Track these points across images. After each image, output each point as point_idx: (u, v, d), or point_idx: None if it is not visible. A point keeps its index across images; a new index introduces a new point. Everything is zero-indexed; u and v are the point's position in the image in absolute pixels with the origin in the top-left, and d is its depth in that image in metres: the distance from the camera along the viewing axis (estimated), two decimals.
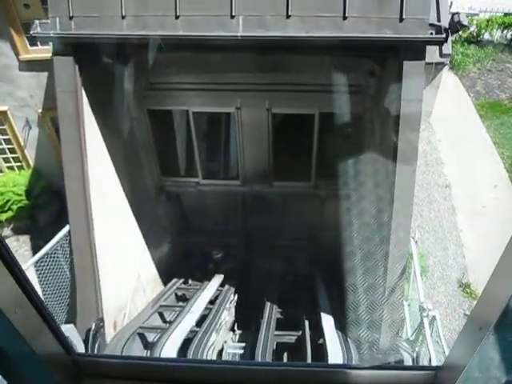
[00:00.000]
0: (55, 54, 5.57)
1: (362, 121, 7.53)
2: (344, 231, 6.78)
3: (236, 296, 8.56)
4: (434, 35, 4.93)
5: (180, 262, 9.59)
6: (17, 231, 10.67)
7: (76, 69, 5.58)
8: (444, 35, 4.87)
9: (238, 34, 5.06)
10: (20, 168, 10.82)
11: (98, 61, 6.06)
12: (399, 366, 3.95)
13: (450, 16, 4.93)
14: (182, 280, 8.94)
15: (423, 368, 2.22)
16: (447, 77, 12.76)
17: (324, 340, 6.27)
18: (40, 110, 9.55)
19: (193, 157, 8.45)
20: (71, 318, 6.59)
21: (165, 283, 8.93)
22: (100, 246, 6.26)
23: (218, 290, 8.47)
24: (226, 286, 8.63)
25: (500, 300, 1.51)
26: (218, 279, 8.81)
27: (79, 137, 5.65)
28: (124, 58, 6.73)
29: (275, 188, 8.68)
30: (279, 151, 8.42)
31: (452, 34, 4.92)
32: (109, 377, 2.25)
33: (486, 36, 14.71)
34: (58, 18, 5.39)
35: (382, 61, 6.32)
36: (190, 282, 8.96)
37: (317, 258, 9.41)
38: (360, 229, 6.54)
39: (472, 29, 14.21)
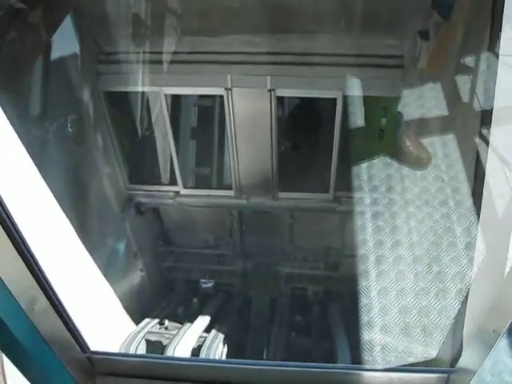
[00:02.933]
0: None
1: None
2: (377, 262, 4.71)
3: (226, 347, 6.33)
4: None
5: (155, 296, 7.41)
6: None
7: None
8: None
9: None
10: None
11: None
12: (411, 368, 3.09)
13: None
14: (156, 321, 6.74)
15: (435, 371, 2.20)
16: None
17: None
18: None
19: (169, 158, 6.22)
20: None
21: (135, 323, 6.71)
22: None
23: (201, 337, 6.27)
24: (213, 332, 6.40)
25: None
26: (202, 322, 6.60)
27: None
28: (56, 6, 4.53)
29: (281, 201, 6.40)
30: (287, 151, 6.22)
31: None
32: (122, 375, 2.31)
33: None
34: None
35: (449, 6, 4.05)
36: (166, 322, 6.74)
37: (336, 294, 7.21)
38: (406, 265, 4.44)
39: None
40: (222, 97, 5.38)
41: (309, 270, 7.38)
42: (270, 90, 5.23)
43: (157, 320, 6.70)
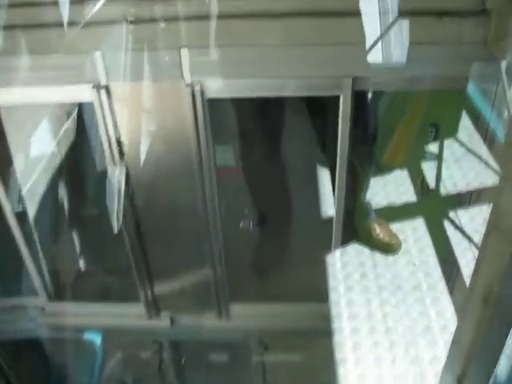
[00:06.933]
0: None
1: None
2: None
3: None
4: None
5: None
6: None
7: None
8: None
9: None
10: None
11: None
12: None
13: None
14: None
15: None
16: None
17: None
18: None
19: (17, 245, 3.19)
20: None
21: None
22: None
23: None
24: None
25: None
26: None
27: None
28: None
29: (236, 320, 3.35)
30: (244, 224, 3.29)
31: None
32: None
33: None
34: None
35: None
36: None
37: None
38: None
39: None
40: (82, 105, 2.53)
41: None
42: (190, 86, 2.34)
43: None
